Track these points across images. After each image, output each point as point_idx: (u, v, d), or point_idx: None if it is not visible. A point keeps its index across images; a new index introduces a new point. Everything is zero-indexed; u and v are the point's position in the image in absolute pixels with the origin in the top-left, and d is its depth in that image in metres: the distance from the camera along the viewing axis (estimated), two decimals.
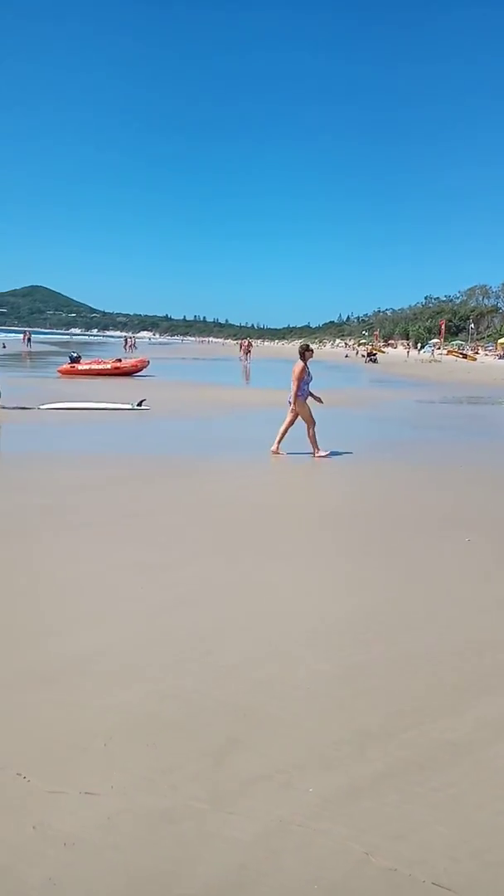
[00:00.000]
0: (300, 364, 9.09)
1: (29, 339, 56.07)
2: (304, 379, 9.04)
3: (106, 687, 3.03)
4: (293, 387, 9.06)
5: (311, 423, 9.14)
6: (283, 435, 9.23)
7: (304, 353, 9.33)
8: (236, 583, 4.36)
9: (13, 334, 79.63)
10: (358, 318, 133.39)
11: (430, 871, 2.01)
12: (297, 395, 9.04)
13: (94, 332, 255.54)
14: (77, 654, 3.31)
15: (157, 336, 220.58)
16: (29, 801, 2.28)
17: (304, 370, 9.06)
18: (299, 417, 9.13)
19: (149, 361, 28.00)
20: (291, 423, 9.19)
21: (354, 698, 2.98)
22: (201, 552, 4.96)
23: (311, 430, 9.12)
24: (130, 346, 55.44)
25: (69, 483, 7.23)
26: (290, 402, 9.15)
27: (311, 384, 9.24)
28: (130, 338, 67.19)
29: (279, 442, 9.21)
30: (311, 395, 9.22)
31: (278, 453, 9.13)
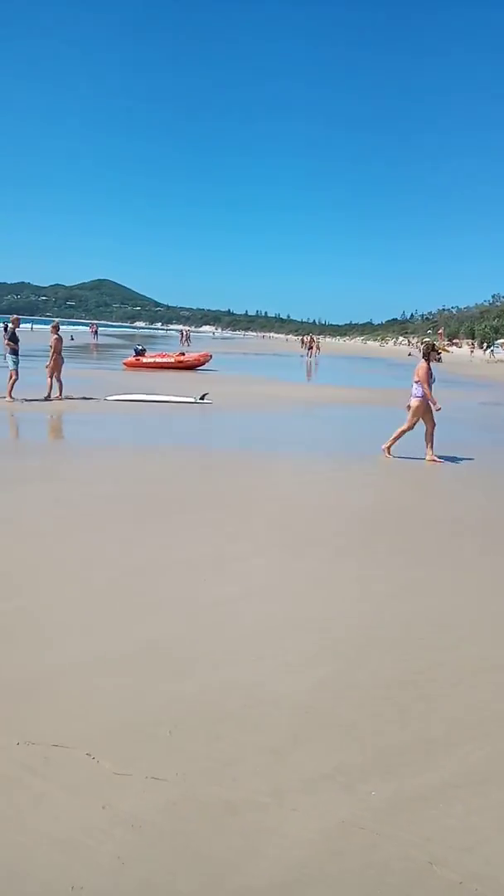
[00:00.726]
0: (424, 364, 8.65)
1: (96, 332, 57.47)
2: (428, 381, 8.58)
3: (170, 675, 3.09)
4: (422, 388, 8.55)
5: (431, 424, 8.72)
6: (398, 437, 8.80)
7: (429, 353, 8.91)
8: (299, 580, 4.36)
9: (81, 326, 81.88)
10: (422, 315, 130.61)
11: (498, 889, 1.96)
12: (419, 397, 8.56)
13: (158, 325, 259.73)
14: (144, 641, 3.39)
15: (220, 330, 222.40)
16: (97, 781, 2.35)
17: (428, 371, 8.61)
18: (420, 420, 8.66)
19: (211, 356, 28.23)
20: (411, 426, 8.71)
21: (416, 704, 2.94)
22: (266, 547, 4.99)
23: (431, 430, 8.74)
24: (185, 339, 56.31)
25: (135, 473, 7.39)
26: (414, 405, 8.63)
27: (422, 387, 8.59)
28: (185, 331, 68.24)
29: (392, 443, 8.81)
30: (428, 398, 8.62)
31: (389, 456, 8.78)
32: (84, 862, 1.99)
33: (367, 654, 3.38)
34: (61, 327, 15.01)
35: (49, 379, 13.55)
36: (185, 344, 50.09)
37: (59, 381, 13.72)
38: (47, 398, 13.35)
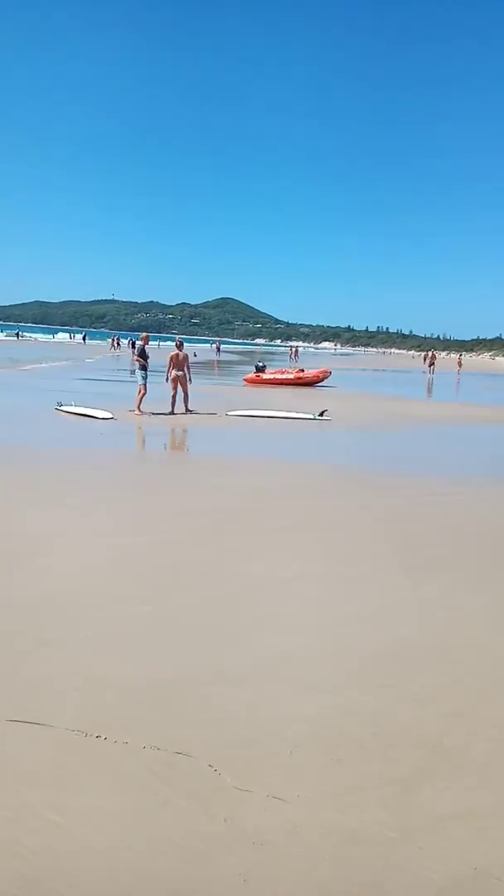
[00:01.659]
0: None
1: (219, 349, 59.30)
2: None
3: (290, 694, 3.07)
4: None
5: None
6: None
7: None
8: (421, 606, 4.19)
9: (204, 343, 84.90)
10: None
11: None
12: None
13: (278, 342, 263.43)
14: (264, 657, 3.40)
15: (339, 347, 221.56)
16: (219, 794, 2.37)
17: None
18: None
19: (330, 372, 28.15)
20: None
21: None
22: (385, 570, 4.85)
23: None
24: (294, 355, 57.38)
25: (255, 487, 7.49)
26: None
27: None
28: (293, 347, 69.42)
29: None
30: None
31: None
32: (208, 873, 2.00)
33: (496, 689, 3.17)
34: (184, 344, 15.57)
35: (174, 392, 14.14)
36: (295, 360, 50.79)
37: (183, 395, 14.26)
38: (171, 413, 13.89)
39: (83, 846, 2.12)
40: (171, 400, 14.06)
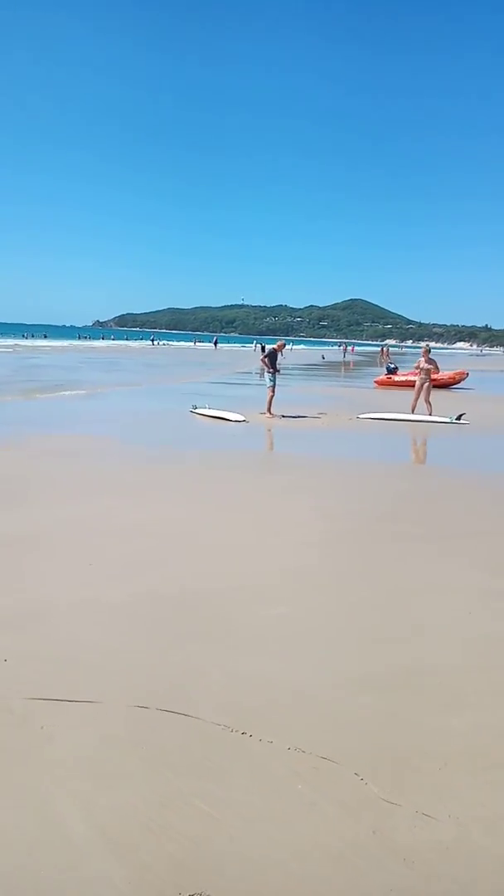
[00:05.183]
0: None
1: (345, 351, 58.90)
2: None
3: (438, 706, 2.97)
4: None
5: None
6: None
7: None
8: None
9: (332, 346, 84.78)
10: None
11: None
12: None
13: (409, 343, 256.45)
14: (409, 666, 3.32)
15: (475, 347, 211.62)
16: (366, 804, 2.34)
17: None
18: None
19: (467, 373, 26.96)
20: None
21: None
22: None
23: None
24: (385, 355, 56.22)
25: (395, 491, 7.35)
26: None
27: None
28: (384, 348, 67.52)
29: None
30: None
31: None
32: (358, 885, 1.98)
33: None
34: (322, 347, 15.63)
35: (416, 401, 14.83)
36: (386, 359, 49.96)
37: (427, 402, 14.78)
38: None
39: (231, 836, 2.18)
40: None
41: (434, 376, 25.47)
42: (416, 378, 25.56)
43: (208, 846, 2.15)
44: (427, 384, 15.04)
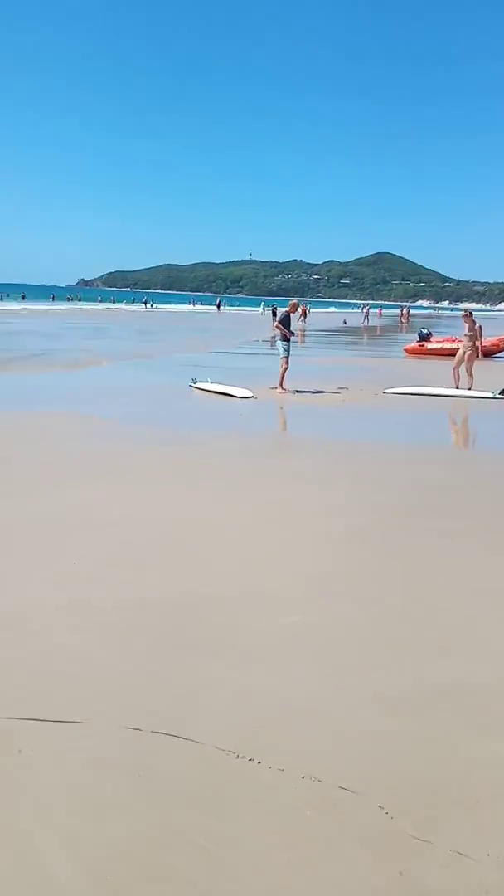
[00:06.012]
0: None
1: (367, 315, 58.35)
2: None
3: (474, 733, 2.98)
4: None
5: None
6: None
7: None
8: None
9: (353, 308, 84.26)
10: None
11: None
12: None
13: (445, 304, 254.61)
14: (437, 685, 3.33)
15: None
16: (392, 842, 2.36)
17: None
18: None
19: None
20: None
21: None
22: None
23: None
24: (405, 317, 57.86)
25: (422, 479, 7.33)
26: None
27: None
28: (404, 308, 67.34)
29: None
30: None
31: None
32: None
33: None
34: (341, 310, 15.55)
35: (457, 372, 14.81)
36: (405, 321, 50.44)
37: (469, 373, 14.71)
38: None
39: (236, 878, 2.20)
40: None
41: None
42: (452, 345, 25.39)
43: (210, 890, 2.17)
44: (470, 352, 14.90)
